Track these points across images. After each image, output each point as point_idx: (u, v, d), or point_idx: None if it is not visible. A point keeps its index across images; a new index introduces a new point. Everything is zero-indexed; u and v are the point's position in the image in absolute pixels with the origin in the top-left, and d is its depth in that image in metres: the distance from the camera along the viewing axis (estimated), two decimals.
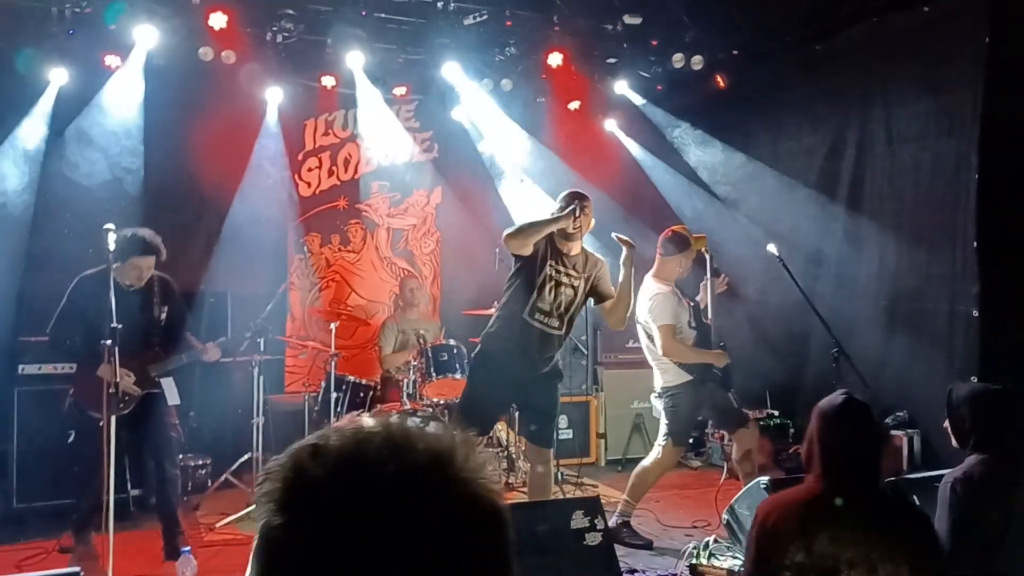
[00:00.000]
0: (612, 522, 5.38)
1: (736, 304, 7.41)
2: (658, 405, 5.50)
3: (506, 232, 4.80)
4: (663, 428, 5.45)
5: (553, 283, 4.81)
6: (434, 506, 0.78)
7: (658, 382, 5.49)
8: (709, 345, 5.40)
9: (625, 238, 4.92)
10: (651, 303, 5.35)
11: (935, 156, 6.13)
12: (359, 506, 0.76)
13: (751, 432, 5.49)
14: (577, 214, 4.73)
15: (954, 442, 3.32)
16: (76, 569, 3.12)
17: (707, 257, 5.51)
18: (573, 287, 4.88)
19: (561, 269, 4.84)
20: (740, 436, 5.46)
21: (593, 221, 4.92)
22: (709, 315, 5.47)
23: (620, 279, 4.90)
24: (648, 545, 5.35)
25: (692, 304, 5.55)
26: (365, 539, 0.75)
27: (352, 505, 0.76)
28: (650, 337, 5.42)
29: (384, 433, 0.81)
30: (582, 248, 4.98)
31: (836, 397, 2.67)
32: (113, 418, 4.18)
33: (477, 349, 5.11)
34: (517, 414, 5.06)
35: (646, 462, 5.49)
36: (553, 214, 4.86)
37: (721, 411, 5.51)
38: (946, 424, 3.32)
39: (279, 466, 0.81)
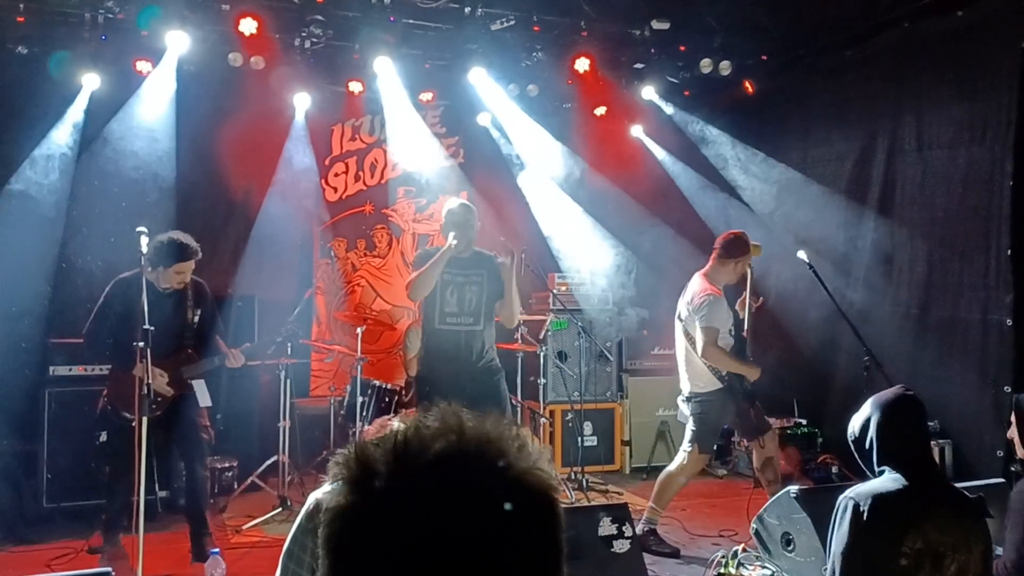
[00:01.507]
0: (639, 529, 5.32)
1: (763, 310, 7.34)
2: (685, 410, 5.45)
3: (409, 292, 5.01)
4: (689, 434, 5.39)
5: (453, 287, 4.99)
6: (487, 490, 0.81)
7: (687, 386, 5.43)
8: (745, 356, 5.34)
9: (503, 259, 5.03)
10: (700, 302, 5.24)
11: (968, 163, 6.04)
12: (412, 489, 0.81)
13: (772, 441, 5.43)
14: (458, 237, 4.88)
15: (1019, 452, 3.30)
16: (107, 569, 3.14)
17: (749, 271, 5.44)
18: (476, 283, 5.05)
19: (456, 271, 4.99)
20: (761, 444, 5.39)
21: (478, 225, 5.09)
22: (745, 328, 5.41)
23: (504, 286, 5.05)
24: (675, 553, 5.30)
25: (733, 312, 5.48)
26: (414, 515, 0.80)
27: (406, 488, 0.81)
28: (688, 336, 5.35)
29: (439, 421, 0.86)
30: (474, 250, 5.12)
31: (902, 392, 2.81)
32: (145, 419, 4.21)
33: (417, 374, 5.34)
34: None
35: (671, 468, 5.44)
36: (442, 231, 5.03)
37: (744, 419, 5.45)
38: (1011, 434, 3.31)
39: (347, 452, 0.86)
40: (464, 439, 0.83)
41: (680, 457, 5.41)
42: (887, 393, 2.83)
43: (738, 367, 5.26)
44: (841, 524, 2.66)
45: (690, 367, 5.40)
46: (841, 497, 2.72)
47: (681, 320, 5.43)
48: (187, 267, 4.83)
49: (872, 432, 2.75)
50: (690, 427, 5.41)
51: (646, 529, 5.35)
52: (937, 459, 5.98)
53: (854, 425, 2.84)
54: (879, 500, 2.61)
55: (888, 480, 2.69)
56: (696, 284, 5.39)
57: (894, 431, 2.73)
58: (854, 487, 2.73)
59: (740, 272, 5.44)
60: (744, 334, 5.40)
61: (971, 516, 2.66)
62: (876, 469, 2.75)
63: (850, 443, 2.87)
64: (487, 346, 5.11)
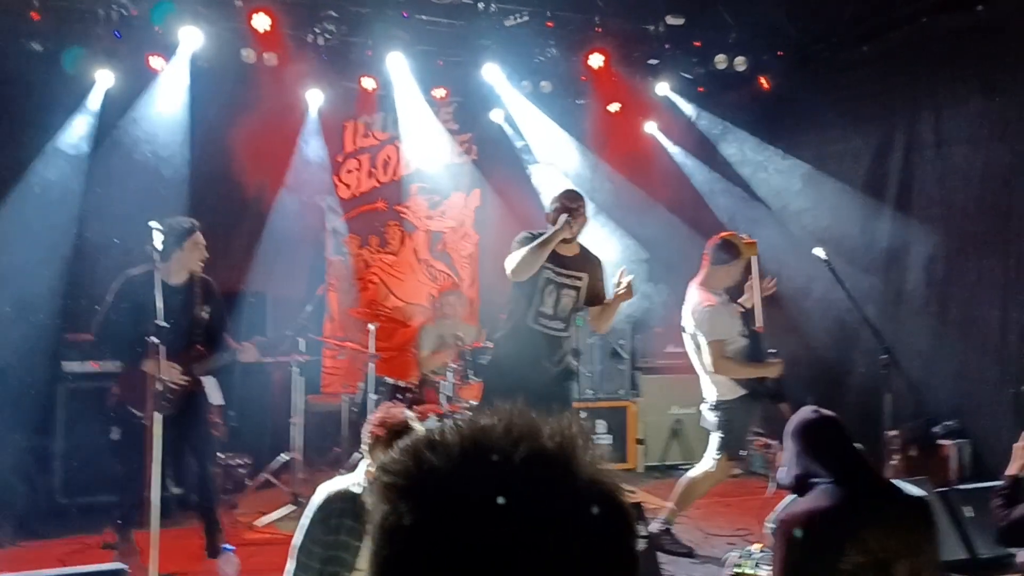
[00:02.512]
0: (654, 528, 5.29)
1: (780, 309, 7.28)
2: (710, 418, 5.31)
3: (510, 267, 4.67)
4: (716, 442, 5.26)
5: (553, 286, 4.74)
6: (564, 494, 0.76)
7: (710, 394, 5.30)
8: (761, 353, 5.19)
9: (624, 288, 4.78)
10: (700, 316, 5.14)
11: (987, 159, 5.97)
12: (486, 494, 0.74)
13: None
14: (570, 222, 4.64)
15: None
16: (123, 566, 3.13)
17: (754, 261, 5.31)
18: (575, 287, 4.82)
19: (561, 271, 4.76)
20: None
21: (588, 219, 4.88)
22: (759, 321, 5.28)
23: (610, 303, 4.88)
24: (689, 553, 5.25)
25: (742, 311, 5.35)
26: (494, 528, 0.73)
27: (479, 493, 0.74)
28: (698, 347, 5.25)
29: (505, 423, 0.80)
30: (579, 248, 4.91)
31: (809, 414, 2.74)
32: (158, 416, 4.20)
33: (489, 358, 5.10)
34: None
35: (696, 473, 5.34)
36: (548, 216, 4.80)
37: (772, 422, 5.36)
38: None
39: (397, 460, 0.79)
40: (542, 441, 0.78)
41: (707, 464, 5.31)
42: (800, 415, 2.76)
43: (753, 371, 5.14)
44: (776, 550, 2.56)
45: (710, 375, 5.27)
46: (773, 521, 2.65)
47: (687, 333, 5.32)
48: (202, 240, 4.81)
49: (797, 460, 2.67)
50: (717, 435, 5.27)
51: (662, 528, 5.30)
52: (955, 459, 5.93)
53: (781, 473, 2.76)
54: (812, 518, 2.50)
55: (820, 495, 2.58)
56: (694, 296, 5.25)
57: (819, 453, 2.64)
58: (786, 508, 2.66)
59: (735, 275, 5.32)
60: (757, 328, 5.28)
61: (918, 517, 2.56)
62: (808, 484, 2.65)
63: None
64: (568, 353, 4.95)
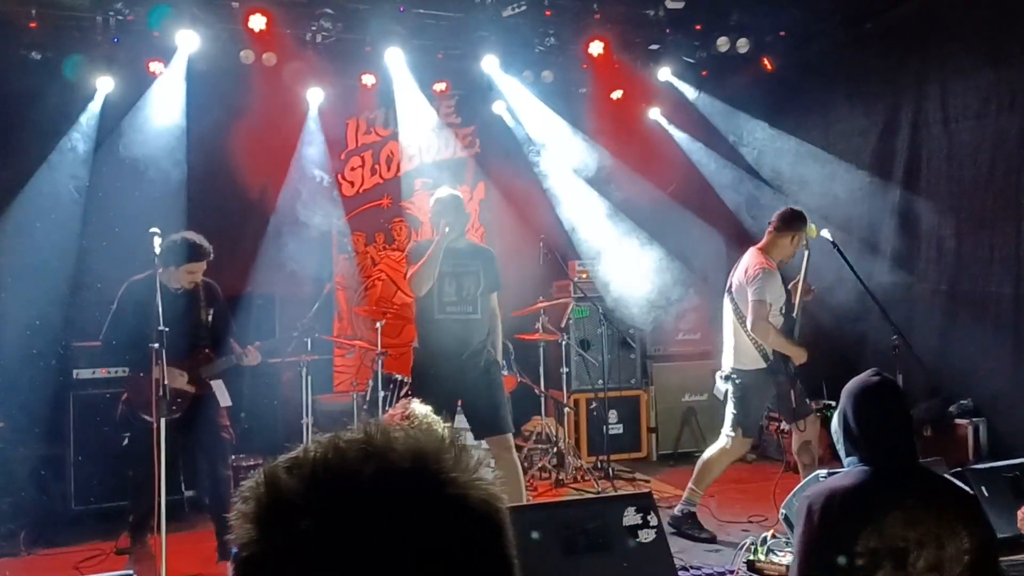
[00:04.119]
0: (677, 511, 5.33)
1: (814, 300, 7.22)
2: (722, 386, 5.33)
3: (413, 286, 4.94)
4: (730, 417, 5.27)
5: (451, 276, 4.94)
6: (419, 510, 0.72)
7: (728, 361, 5.31)
8: (793, 337, 5.23)
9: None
10: (753, 274, 5.13)
11: (996, 132, 5.87)
12: (337, 516, 0.70)
13: (813, 425, 5.31)
14: (448, 229, 4.82)
15: None
16: (130, 572, 3.13)
17: (806, 255, 5.32)
18: (472, 272, 5.00)
19: (454, 261, 4.93)
20: (801, 428, 5.24)
21: (469, 214, 5.13)
22: (796, 311, 5.30)
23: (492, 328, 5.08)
24: (712, 538, 5.24)
25: (787, 291, 5.37)
26: (347, 553, 0.69)
27: (329, 516, 0.70)
28: (737, 310, 5.23)
29: (363, 438, 0.75)
30: (467, 241, 5.14)
31: (869, 378, 2.61)
32: (164, 421, 4.20)
33: (412, 363, 5.22)
34: (462, 410, 5.06)
35: (713, 451, 5.35)
36: (432, 223, 5.04)
37: (784, 402, 5.28)
38: None
39: (254, 484, 0.75)
40: (395, 458, 0.73)
41: (722, 441, 5.31)
42: (855, 380, 2.64)
43: (786, 346, 5.14)
44: (797, 527, 2.52)
45: (737, 342, 5.27)
46: (800, 497, 2.58)
47: (731, 293, 5.31)
48: (198, 268, 4.82)
49: (840, 423, 2.60)
50: (731, 410, 5.28)
51: (685, 511, 5.31)
52: (971, 438, 5.86)
53: (833, 423, 2.68)
54: (832, 498, 2.44)
55: (849, 474, 2.53)
56: (751, 257, 5.27)
57: (862, 419, 2.54)
58: (813, 486, 2.61)
59: (795, 248, 5.31)
60: (794, 315, 5.29)
61: (948, 506, 2.43)
62: (845, 461, 2.59)
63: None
64: (485, 337, 5.05)
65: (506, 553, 0.76)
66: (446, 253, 4.85)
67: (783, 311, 5.25)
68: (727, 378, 5.30)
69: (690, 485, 5.37)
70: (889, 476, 2.47)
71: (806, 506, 2.48)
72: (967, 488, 2.55)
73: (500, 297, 5.19)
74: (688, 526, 5.28)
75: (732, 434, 5.25)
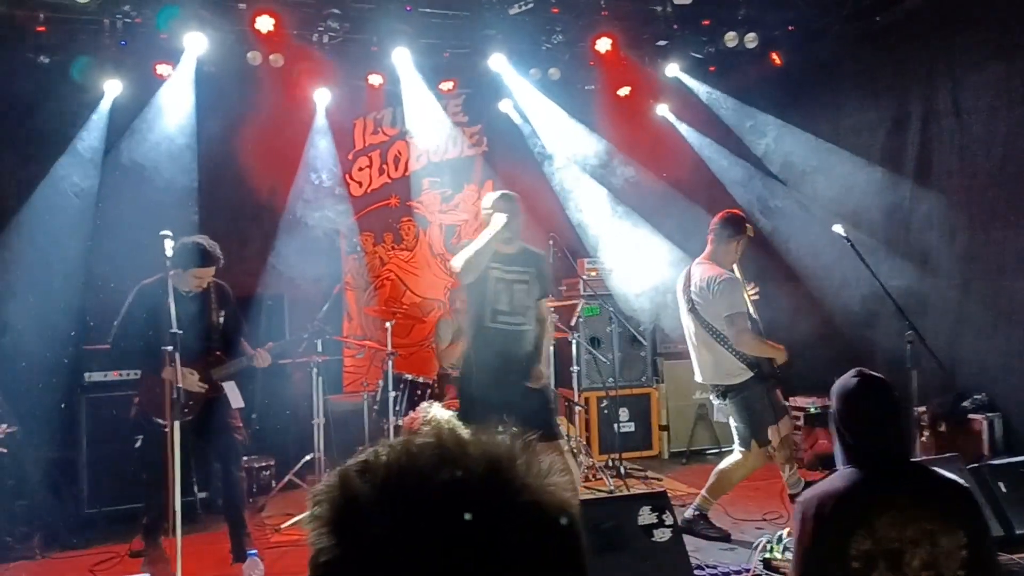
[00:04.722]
0: (688, 514, 5.28)
1: (799, 287, 7.18)
2: (723, 406, 5.23)
3: (456, 271, 4.79)
4: (740, 432, 5.18)
5: (504, 284, 4.80)
6: (492, 516, 0.71)
7: (711, 378, 5.22)
8: (763, 336, 5.19)
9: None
10: (718, 288, 5.04)
11: (1009, 125, 5.83)
12: (411, 521, 0.70)
13: (789, 421, 5.34)
14: (508, 222, 4.71)
15: None
16: (146, 575, 3.13)
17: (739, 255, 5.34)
18: (524, 281, 4.85)
19: (507, 268, 4.81)
20: (781, 425, 5.18)
21: (522, 218, 4.90)
22: (754, 312, 5.28)
23: (540, 338, 4.92)
24: (726, 537, 5.20)
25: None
26: (421, 559, 0.69)
27: (404, 520, 0.70)
28: (708, 326, 5.14)
29: (435, 442, 0.75)
30: (521, 245, 4.94)
31: (850, 379, 2.57)
32: (177, 423, 4.20)
33: (459, 372, 5.09)
34: (512, 420, 4.91)
35: (728, 464, 5.27)
36: (486, 218, 4.84)
37: (771, 403, 5.20)
38: None
39: (327, 487, 0.75)
40: (468, 463, 0.73)
41: (735, 457, 5.24)
42: (839, 382, 2.60)
43: (769, 349, 5.08)
44: (794, 531, 2.52)
45: (717, 359, 5.15)
46: (796, 502, 2.57)
47: (695, 312, 5.19)
48: (205, 273, 4.81)
49: (832, 425, 2.59)
50: (737, 426, 5.19)
51: (696, 514, 5.27)
52: (986, 433, 5.82)
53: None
54: (823, 503, 2.43)
55: (840, 477, 2.50)
56: (706, 270, 5.16)
57: (849, 420, 2.52)
58: (808, 489, 2.59)
59: (739, 252, 5.28)
60: (755, 317, 5.27)
61: (942, 502, 2.42)
62: (839, 462, 2.56)
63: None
64: (533, 348, 4.91)
65: (579, 559, 0.76)
66: (499, 258, 4.75)
67: (750, 316, 5.20)
68: (723, 395, 5.21)
69: (703, 493, 5.31)
70: (880, 476, 2.45)
71: (800, 512, 2.47)
72: (962, 482, 2.51)
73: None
74: (701, 526, 5.24)
75: (744, 450, 5.19)
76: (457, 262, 4.74)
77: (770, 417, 5.13)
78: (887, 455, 2.51)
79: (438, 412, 3.06)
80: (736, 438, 5.25)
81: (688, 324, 5.31)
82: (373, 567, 0.70)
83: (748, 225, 5.33)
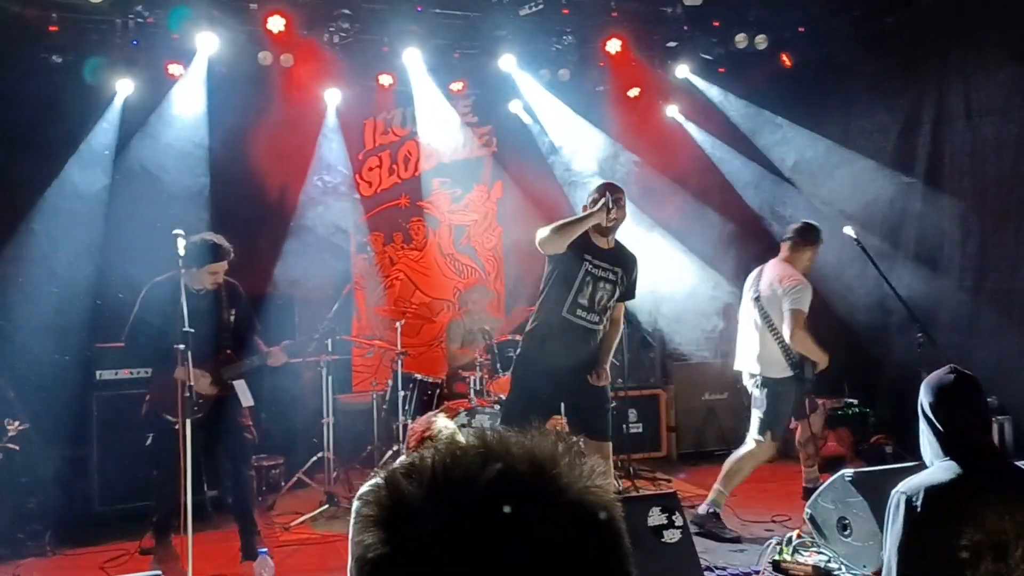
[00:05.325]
0: (702, 510, 5.35)
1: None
2: (756, 393, 5.40)
3: (540, 235, 4.62)
4: (758, 423, 5.35)
5: (591, 278, 4.65)
6: (537, 514, 0.73)
7: (752, 367, 5.42)
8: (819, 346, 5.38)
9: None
10: (791, 286, 5.25)
11: (1021, 128, 5.81)
12: (458, 520, 0.72)
13: (819, 417, 5.66)
14: (611, 207, 4.54)
15: None
16: (157, 573, 3.15)
17: None
18: (611, 281, 4.71)
19: (599, 264, 4.67)
20: (808, 422, 5.56)
21: (626, 213, 4.75)
22: None
23: (609, 338, 4.82)
24: (737, 538, 5.23)
25: None
26: (469, 556, 0.71)
27: (450, 519, 0.72)
28: (767, 318, 5.32)
29: (479, 443, 0.77)
30: (616, 242, 4.81)
31: (946, 375, 2.65)
32: (188, 421, 4.22)
33: (519, 351, 4.95)
34: (567, 413, 4.84)
35: (741, 453, 5.42)
36: (585, 208, 4.69)
37: (799, 402, 5.51)
38: None
39: (374, 488, 0.77)
40: (512, 462, 0.75)
41: (749, 445, 5.38)
42: (936, 375, 2.68)
43: (818, 352, 5.27)
44: (895, 521, 2.55)
45: (764, 351, 5.36)
46: (893, 492, 2.60)
47: (759, 301, 5.38)
48: (219, 268, 4.83)
49: (923, 420, 2.63)
50: (759, 414, 5.36)
51: (710, 511, 5.33)
52: (997, 436, 5.80)
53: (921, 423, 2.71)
54: (932, 492, 2.48)
55: (940, 470, 2.56)
56: (781, 268, 5.38)
57: (945, 417, 2.58)
58: (906, 480, 2.61)
59: (812, 261, 5.48)
60: None
61: None
62: (928, 456, 2.62)
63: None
64: (599, 348, 4.81)
65: (623, 559, 0.77)
66: (594, 251, 4.64)
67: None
68: (760, 386, 5.38)
69: (716, 486, 5.39)
70: (982, 469, 2.53)
71: (904, 500, 2.52)
72: None
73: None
74: (713, 525, 5.28)
75: (760, 438, 5.33)
76: (542, 232, 4.59)
77: (794, 415, 5.46)
78: (984, 451, 2.61)
79: (442, 422, 3.04)
80: (754, 427, 5.39)
81: (748, 311, 5.51)
82: (421, 564, 0.72)
83: (822, 236, 5.54)
